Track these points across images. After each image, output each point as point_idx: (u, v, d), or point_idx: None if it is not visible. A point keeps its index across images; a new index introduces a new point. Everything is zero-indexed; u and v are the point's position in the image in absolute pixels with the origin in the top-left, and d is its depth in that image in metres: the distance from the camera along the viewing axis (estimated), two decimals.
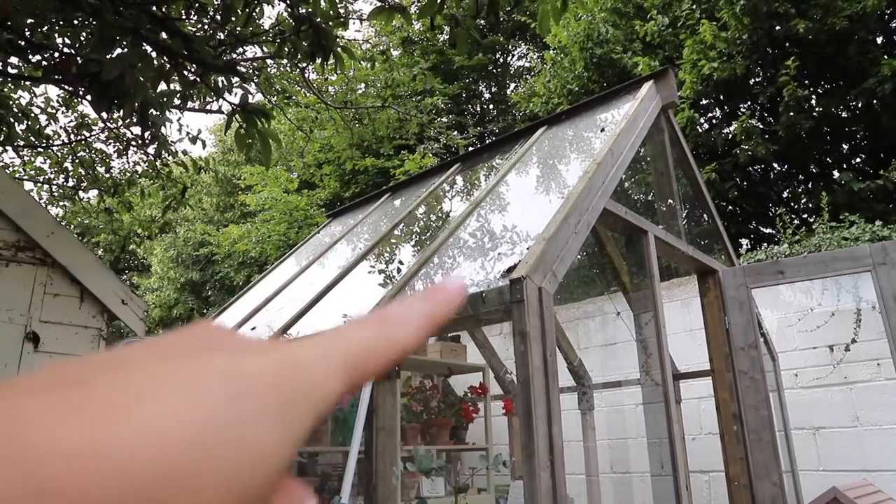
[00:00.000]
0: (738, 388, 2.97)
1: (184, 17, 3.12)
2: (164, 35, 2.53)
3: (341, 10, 3.09)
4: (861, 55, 6.16)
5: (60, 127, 4.72)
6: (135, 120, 2.61)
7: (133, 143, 4.70)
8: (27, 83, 4.10)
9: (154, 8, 2.51)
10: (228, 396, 0.16)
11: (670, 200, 3.29)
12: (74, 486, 0.13)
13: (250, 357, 0.18)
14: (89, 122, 4.76)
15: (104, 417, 0.14)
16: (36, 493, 0.12)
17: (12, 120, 3.83)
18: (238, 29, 2.94)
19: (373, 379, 0.21)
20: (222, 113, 3.13)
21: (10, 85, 3.97)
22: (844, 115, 6.61)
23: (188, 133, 4.06)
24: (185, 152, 4.56)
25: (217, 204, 13.02)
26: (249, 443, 0.16)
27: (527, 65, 12.52)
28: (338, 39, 2.68)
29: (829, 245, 4.48)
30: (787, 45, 6.54)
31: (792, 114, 6.16)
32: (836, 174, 6.89)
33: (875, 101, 6.19)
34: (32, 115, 4.23)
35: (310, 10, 2.56)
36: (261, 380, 0.17)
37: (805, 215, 7.05)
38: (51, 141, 4.69)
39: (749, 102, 7.08)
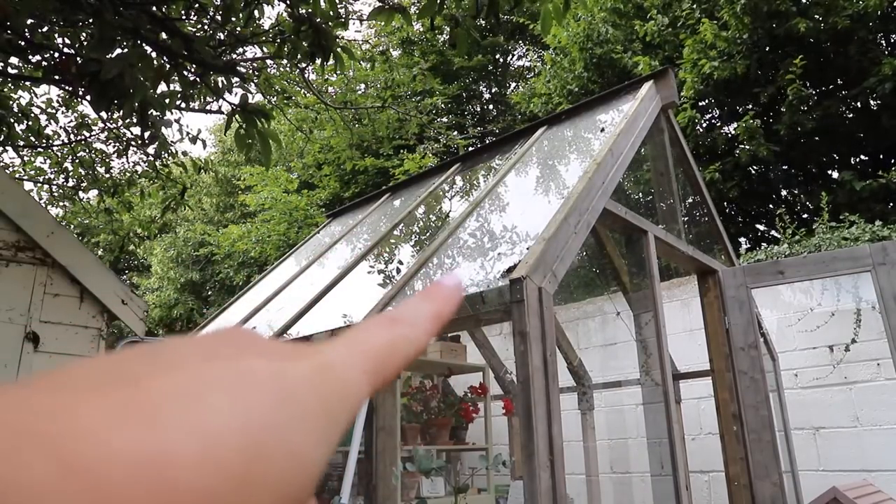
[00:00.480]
0: (738, 388, 2.97)
1: (184, 17, 3.12)
2: (164, 35, 2.53)
3: (341, 11, 3.09)
4: (862, 55, 6.16)
5: (60, 127, 4.72)
6: (135, 120, 2.61)
7: (133, 143, 4.70)
8: (27, 83, 4.10)
9: (154, 8, 2.51)
10: (276, 401, 0.16)
11: (670, 200, 3.29)
12: (130, 497, 0.12)
13: (288, 362, 0.18)
14: (89, 122, 4.76)
15: (153, 421, 0.14)
16: None
17: (12, 120, 3.84)
18: (238, 29, 2.94)
19: (393, 379, 0.21)
20: (222, 113, 3.13)
21: (10, 85, 3.97)
22: (845, 114, 6.61)
23: (188, 133, 4.06)
24: (185, 153, 4.56)
25: (217, 204, 13.02)
26: (296, 448, 0.16)
27: (527, 65, 12.53)
28: (338, 40, 2.68)
29: (829, 245, 4.48)
30: (788, 44, 6.54)
31: (794, 114, 6.16)
32: (835, 175, 6.89)
33: (875, 101, 6.19)
34: (32, 115, 4.23)
35: (310, 10, 2.56)
36: (303, 385, 0.17)
37: (805, 215, 7.05)
38: (51, 141, 4.68)
39: (750, 103, 7.08)
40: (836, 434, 3.76)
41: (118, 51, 2.38)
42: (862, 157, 7.07)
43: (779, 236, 5.27)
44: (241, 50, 3.60)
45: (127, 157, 5.04)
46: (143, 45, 2.37)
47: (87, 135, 4.80)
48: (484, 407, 4.27)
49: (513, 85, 12.55)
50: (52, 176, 5.31)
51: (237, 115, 2.54)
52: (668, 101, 3.24)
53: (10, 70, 3.34)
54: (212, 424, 0.14)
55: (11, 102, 3.96)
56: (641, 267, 2.75)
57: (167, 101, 2.61)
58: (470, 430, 4.33)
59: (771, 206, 7.40)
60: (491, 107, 12.88)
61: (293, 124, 7.56)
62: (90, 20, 2.54)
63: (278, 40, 2.74)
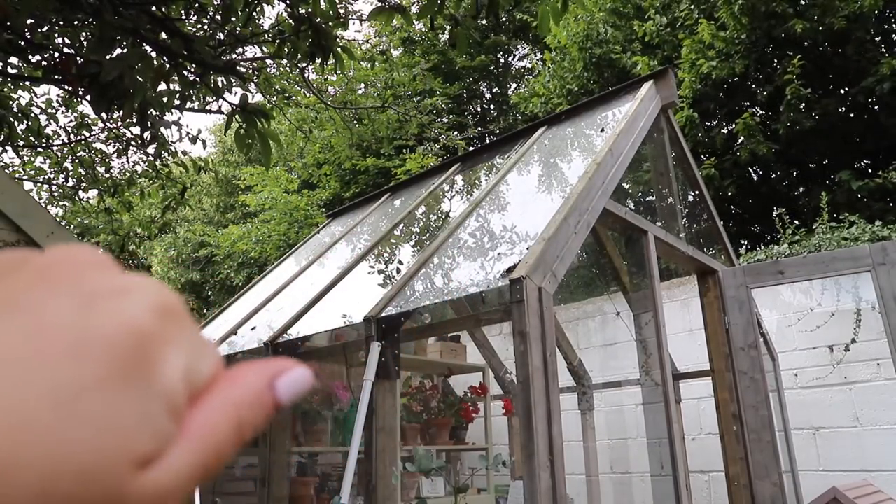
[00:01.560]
0: (738, 388, 2.97)
1: (184, 17, 3.12)
2: (163, 35, 2.53)
3: (341, 11, 3.10)
4: (859, 55, 6.17)
5: (60, 127, 4.72)
6: (134, 120, 2.61)
7: (133, 143, 4.70)
8: (27, 83, 4.10)
9: (154, 8, 2.51)
10: (67, 365, 0.13)
11: (670, 200, 3.29)
12: None
13: (111, 302, 0.15)
14: (89, 122, 4.76)
15: None
16: None
17: (12, 120, 3.83)
18: (238, 29, 2.94)
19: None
20: (222, 113, 3.14)
21: (10, 85, 3.97)
22: (844, 114, 6.61)
23: (188, 133, 4.07)
24: (185, 152, 4.57)
25: (217, 204, 13.03)
26: (87, 419, 0.13)
27: (528, 65, 12.54)
28: (338, 39, 2.68)
29: (828, 245, 4.48)
30: (786, 44, 6.55)
31: (792, 113, 6.17)
32: (833, 175, 6.90)
33: (874, 100, 6.19)
34: (32, 115, 4.23)
35: (310, 10, 2.56)
36: (116, 337, 0.14)
37: (805, 213, 7.04)
38: (51, 141, 4.69)
39: (748, 102, 7.08)
40: (836, 434, 3.76)
41: (118, 51, 2.38)
42: (861, 156, 7.07)
43: (779, 236, 5.27)
44: (241, 50, 3.61)
45: (127, 157, 5.05)
46: (143, 45, 2.37)
47: (87, 135, 4.80)
48: (484, 407, 4.27)
49: (514, 85, 12.55)
50: (52, 176, 5.31)
51: (237, 115, 2.54)
52: (668, 101, 3.24)
53: (10, 70, 3.34)
54: None
55: (11, 102, 3.96)
56: (641, 267, 2.75)
57: (167, 101, 2.61)
58: (470, 430, 4.33)
59: (771, 205, 7.39)
60: (491, 107, 12.89)
61: (293, 124, 7.57)
62: (90, 20, 2.54)
63: (278, 40, 2.74)
